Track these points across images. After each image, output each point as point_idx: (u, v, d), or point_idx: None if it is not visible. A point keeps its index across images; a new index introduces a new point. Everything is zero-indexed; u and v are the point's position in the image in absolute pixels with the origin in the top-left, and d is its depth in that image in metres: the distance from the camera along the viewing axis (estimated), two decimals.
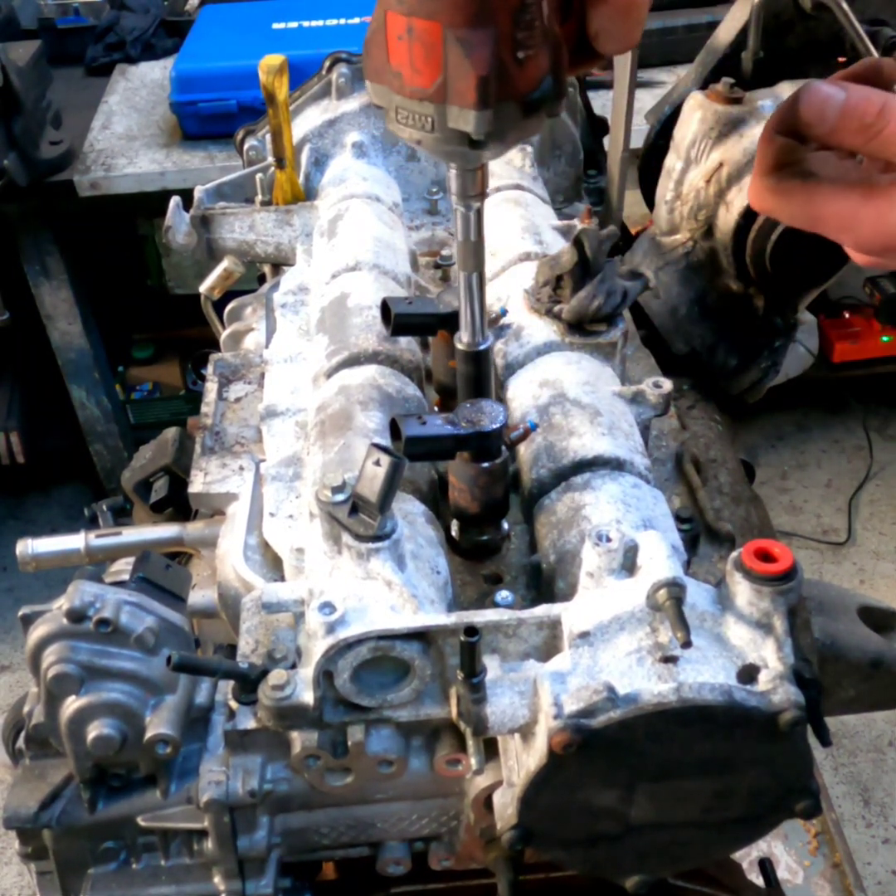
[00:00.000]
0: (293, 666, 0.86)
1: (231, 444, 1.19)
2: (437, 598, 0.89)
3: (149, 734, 0.86)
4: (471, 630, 0.78)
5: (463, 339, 0.96)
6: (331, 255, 1.32)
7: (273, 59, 1.39)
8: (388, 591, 0.85)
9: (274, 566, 1.03)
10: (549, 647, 0.86)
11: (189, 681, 0.89)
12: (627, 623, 0.81)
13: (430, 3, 0.72)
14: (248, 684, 0.86)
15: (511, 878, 0.95)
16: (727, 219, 1.35)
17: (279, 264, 1.48)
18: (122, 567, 0.93)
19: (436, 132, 0.77)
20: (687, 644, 0.75)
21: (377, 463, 0.84)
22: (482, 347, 0.96)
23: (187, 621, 0.92)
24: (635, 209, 1.71)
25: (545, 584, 0.96)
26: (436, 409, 1.12)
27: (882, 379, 3.70)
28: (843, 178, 0.82)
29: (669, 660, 0.78)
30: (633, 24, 0.78)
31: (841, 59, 1.41)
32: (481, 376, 0.98)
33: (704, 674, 0.77)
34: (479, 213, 0.88)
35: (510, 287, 1.24)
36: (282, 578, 1.00)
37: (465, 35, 0.72)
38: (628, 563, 0.84)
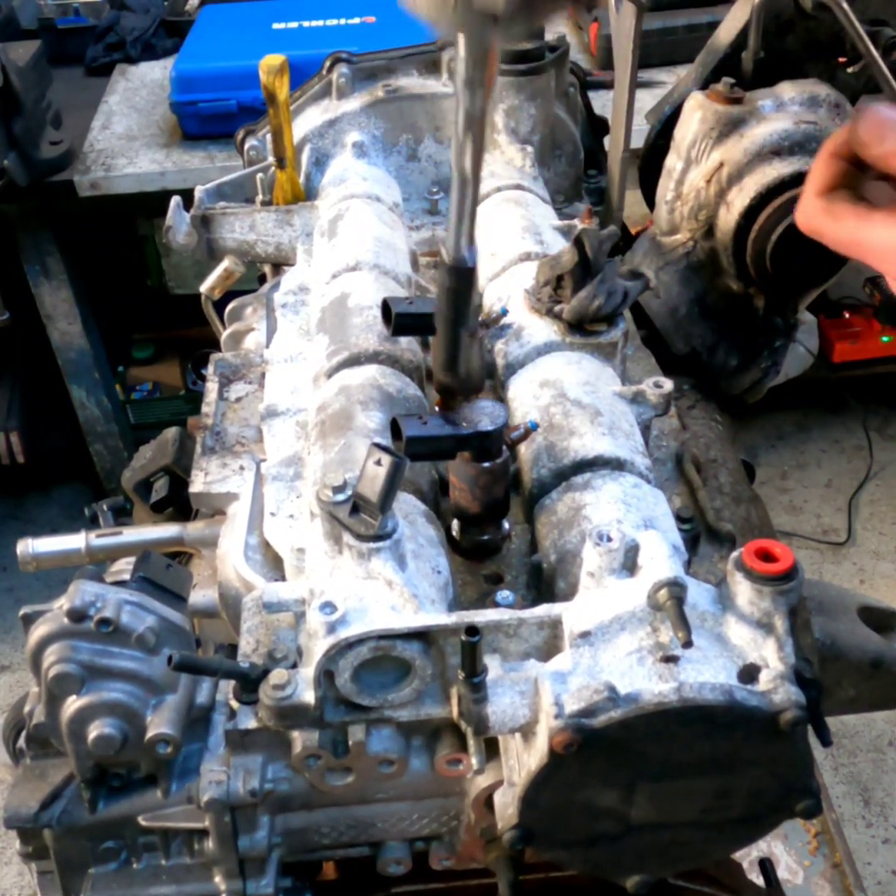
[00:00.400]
0: (294, 665, 0.86)
1: (231, 444, 1.19)
2: (437, 597, 0.89)
3: (150, 734, 0.86)
4: (472, 630, 0.78)
5: (448, 248, 0.90)
6: (331, 255, 1.32)
7: (273, 59, 1.39)
8: (389, 591, 0.85)
9: (275, 566, 1.03)
10: (549, 646, 0.86)
11: (190, 680, 0.89)
12: (628, 623, 0.81)
13: None
14: (248, 684, 0.86)
15: (511, 877, 0.95)
16: (727, 219, 1.35)
17: (279, 264, 1.48)
18: (123, 567, 0.93)
19: (460, 7, 0.72)
20: (688, 644, 0.75)
21: (378, 463, 0.84)
22: (467, 263, 0.90)
23: (188, 621, 0.92)
24: (635, 209, 1.70)
25: (546, 583, 0.96)
26: (436, 409, 1.12)
27: (882, 379, 3.70)
28: None
29: (670, 659, 0.78)
30: None
31: (841, 60, 1.41)
32: (464, 295, 0.92)
33: (705, 673, 0.77)
34: (484, 108, 0.82)
35: (510, 287, 1.24)
36: (282, 578, 1.00)
37: None
38: (629, 563, 0.84)
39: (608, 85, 1.66)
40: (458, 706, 0.82)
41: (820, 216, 0.83)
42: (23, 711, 0.91)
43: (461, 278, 0.91)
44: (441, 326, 0.95)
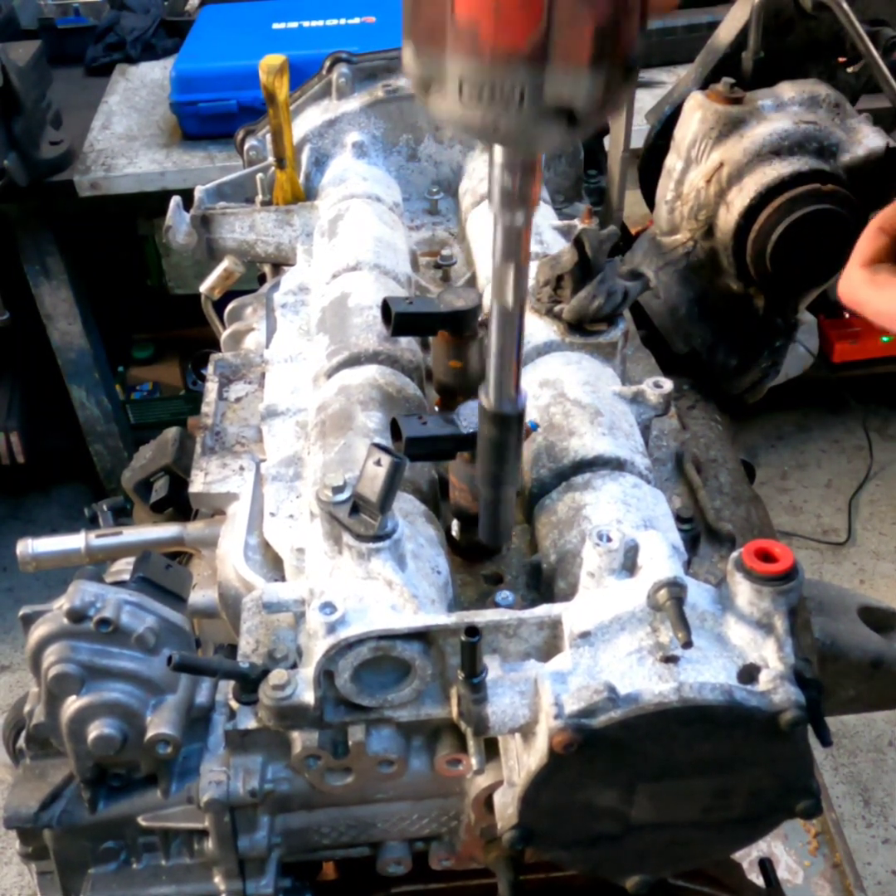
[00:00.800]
0: (294, 666, 0.86)
1: (231, 444, 1.19)
2: (437, 597, 0.89)
3: (149, 734, 0.86)
4: (471, 630, 0.78)
5: (488, 395, 0.78)
6: (331, 254, 1.32)
7: (273, 59, 1.39)
8: (389, 591, 0.85)
9: (274, 566, 1.03)
10: (549, 646, 0.86)
11: (190, 681, 0.89)
12: (628, 623, 0.81)
13: None
14: (248, 684, 0.86)
15: (511, 878, 0.95)
16: (727, 219, 1.35)
17: (279, 264, 1.48)
18: (123, 567, 0.93)
19: (525, 107, 0.60)
20: (688, 644, 0.75)
21: (378, 463, 0.84)
22: (509, 411, 0.78)
23: (188, 621, 0.92)
24: (635, 209, 1.70)
25: (545, 584, 0.96)
26: (436, 409, 1.12)
27: (882, 379, 3.70)
28: None
29: (670, 660, 0.78)
30: None
31: (841, 60, 1.41)
32: (507, 447, 0.80)
33: (705, 674, 0.77)
34: (528, 226, 0.70)
35: None
36: (282, 578, 1.00)
37: None
38: (629, 563, 0.84)
39: None
40: (457, 706, 0.82)
41: (863, 287, 0.83)
42: (23, 711, 0.91)
43: (505, 428, 0.79)
44: (483, 484, 0.84)
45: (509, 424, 0.79)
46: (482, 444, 0.82)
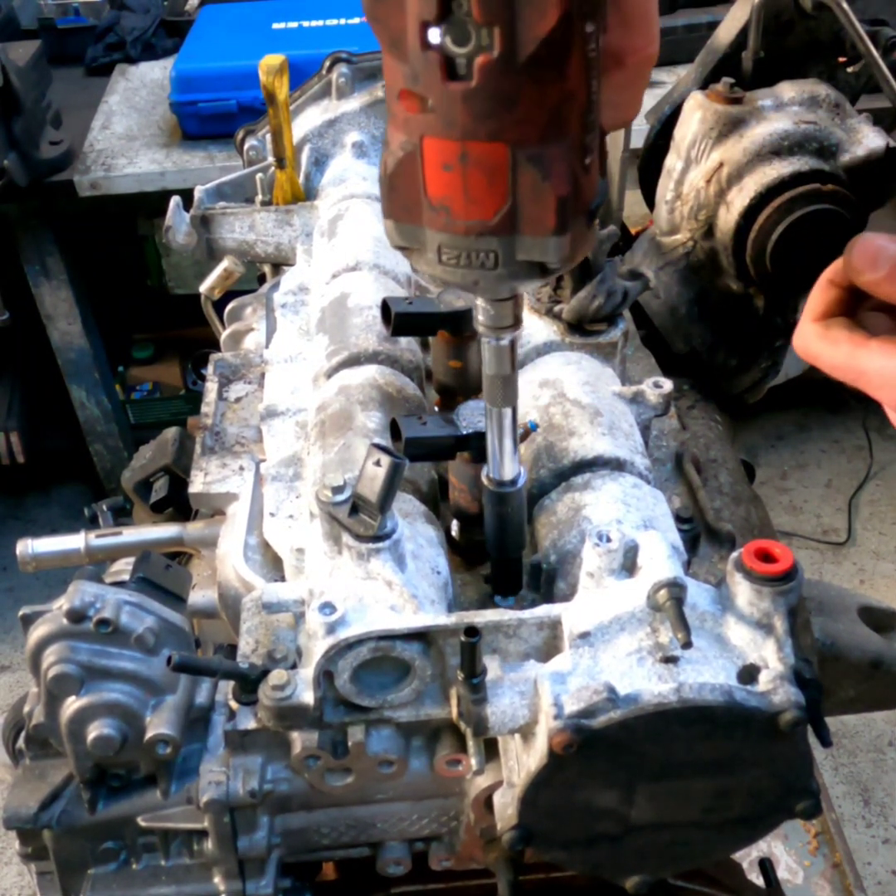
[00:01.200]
0: (293, 666, 0.86)
1: (231, 444, 1.19)
2: (437, 598, 0.89)
3: (149, 734, 0.86)
4: (471, 630, 0.78)
5: (490, 475, 0.88)
6: (331, 255, 1.32)
7: (273, 59, 1.39)
8: (389, 592, 0.85)
9: (274, 566, 1.02)
10: (549, 647, 0.86)
11: (189, 681, 0.89)
12: (628, 623, 0.81)
13: (493, 121, 0.60)
14: (248, 684, 0.86)
15: (511, 878, 0.95)
16: (727, 219, 1.35)
17: (279, 264, 1.48)
18: (122, 567, 0.93)
19: (500, 268, 0.66)
20: (687, 644, 0.75)
21: (377, 463, 0.84)
22: (509, 489, 0.88)
23: (187, 621, 0.92)
24: (635, 209, 1.70)
25: (545, 584, 0.95)
26: (436, 409, 1.12)
27: None
28: (894, 339, 0.80)
29: (670, 660, 0.78)
30: (639, 92, 0.73)
31: (841, 60, 1.41)
32: (510, 517, 0.90)
33: (705, 674, 0.77)
34: (514, 343, 0.80)
35: None
36: (282, 578, 1.00)
37: (538, 152, 0.61)
38: (628, 564, 0.84)
39: None
40: (457, 707, 0.82)
41: (816, 341, 0.83)
42: (22, 711, 0.91)
43: (505, 503, 0.89)
44: (491, 548, 0.94)
45: (510, 500, 0.89)
46: (487, 516, 0.91)
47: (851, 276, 0.80)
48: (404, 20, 0.60)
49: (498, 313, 0.76)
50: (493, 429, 0.85)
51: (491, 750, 0.88)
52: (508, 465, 0.87)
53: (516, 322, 0.77)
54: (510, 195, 0.63)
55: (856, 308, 0.83)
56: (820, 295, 0.84)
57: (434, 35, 0.59)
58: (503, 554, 0.94)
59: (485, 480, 0.89)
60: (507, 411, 0.83)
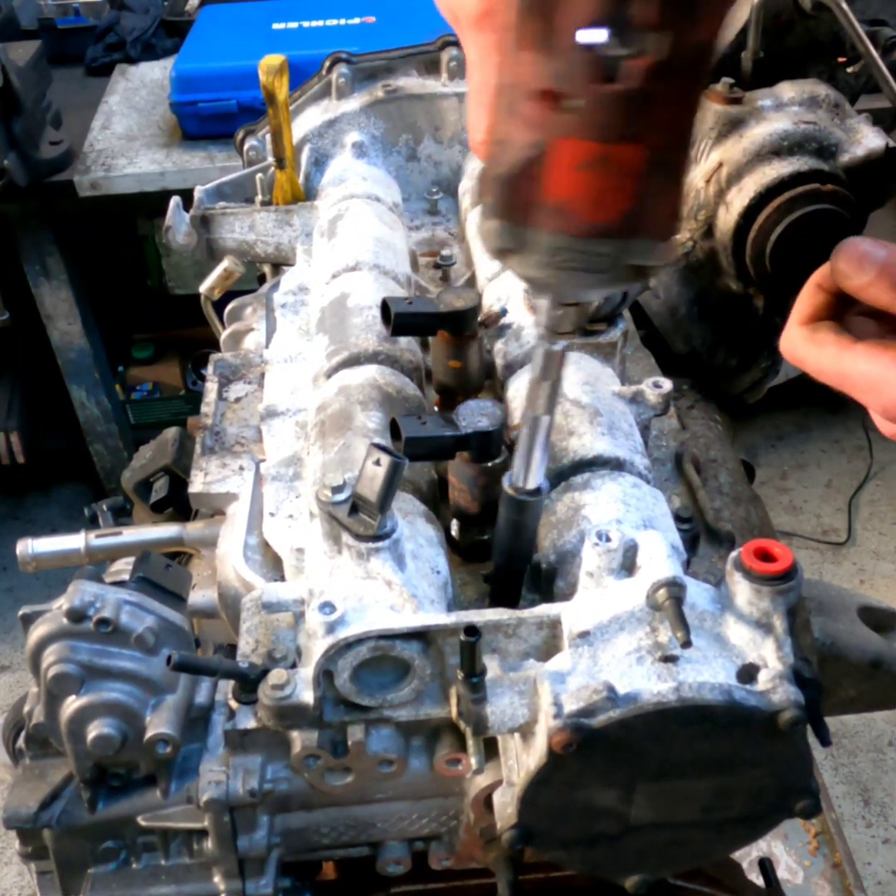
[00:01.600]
0: (293, 665, 0.86)
1: (231, 444, 1.19)
2: (437, 597, 0.89)
3: (149, 734, 0.86)
4: (471, 630, 0.78)
5: (515, 483, 0.87)
6: (331, 255, 1.32)
7: (273, 59, 1.39)
8: (388, 591, 0.85)
9: (274, 566, 1.03)
10: (548, 646, 0.86)
11: (189, 680, 0.89)
12: (627, 623, 0.81)
13: (639, 124, 0.60)
14: (248, 684, 0.86)
15: (511, 877, 0.95)
16: (727, 219, 1.35)
17: (279, 264, 1.48)
18: (122, 567, 0.93)
19: (610, 271, 0.66)
20: (687, 644, 0.75)
21: (377, 463, 0.84)
22: (530, 499, 0.87)
23: (187, 621, 0.92)
24: None
25: (545, 583, 0.96)
26: (436, 409, 1.12)
27: None
28: (880, 343, 0.80)
29: (669, 659, 0.78)
30: None
31: (841, 60, 1.41)
32: (524, 527, 0.90)
33: (704, 673, 0.77)
34: (565, 351, 0.79)
35: (510, 287, 1.24)
36: (282, 578, 1.00)
37: (671, 157, 0.62)
38: (628, 563, 0.84)
39: None
40: (457, 706, 0.82)
41: (803, 344, 0.83)
42: (22, 711, 0.91)
43: (524, 511, 0.88)
44: (497, 553, 0.93)
45: (528, 508, 0.88)
46: (501, 522, 0.90)
47: (838, 281, 0.80)
48: (562, 17, 0.59)
49: (561, 318, 0.75)
50: (527, 435, 0.84)
51: (490, 749, 0.88)
52: (535, 473, 0.86)
53: (575, 329, 0.76)
54: (638, 199, 0.62)
55: (843, 312, 0.83)
56: (807, 298, 0.84)
57: (595, 35, 0.58)
58: (509, 563, 0.93)
59: (506, 487, 0.88)
60: (545, 419, 0.82)
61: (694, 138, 0.66)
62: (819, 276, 0.83)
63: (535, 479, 0.86)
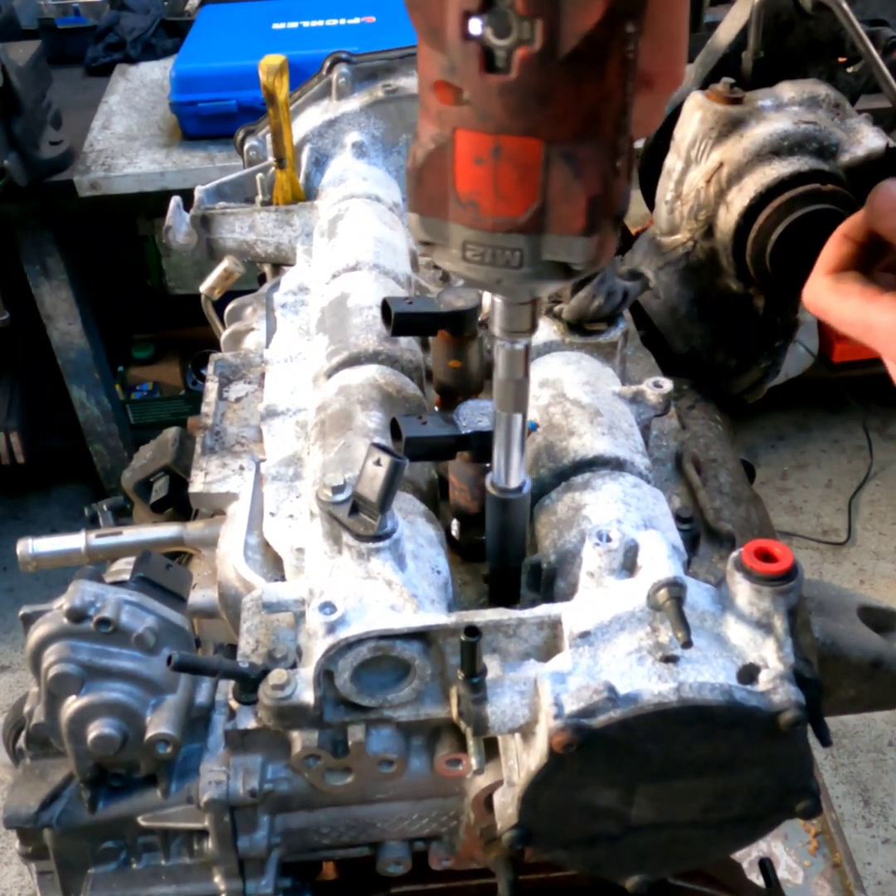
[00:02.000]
0: (293, 665, 0.86)
1: (231, 444, 1.19)
2: (437, 597, 0.89)
3: (149, 734, 0.86)
4: (471, 630, 0.78)
5: (496, 483, 0.88)
6: (331, 255, 1.32)
7: (273, 59, 1.39)
8: (389, 591, 0.85)
9: (274, 566, 1.03)
10: (549, 646, 0.86)
11: (189, 680, 0.89)
12: (628, 623, 0.81)
13: (528, 115, 0.60)
14: (248, 684, 0.86)
15: (511, 877, 0.95)
16: (727, 219, 1.35)
17: (279, 264, 1.48)
18: (123, 567, 0.93)
19: (525, 267, 0.65)
20: (687, 644, 0.75)
21: (377, 463, 0.84)
22: (514, 497, 0.88)
23: (188, 621, 0.92)
24: (635, 209, 1.70)
25: (545, 583, 0.96)
26: (436, 409, 1.12)
27: (882, 379, 3.66)
28: None
29: (670, 659, 0.78)
30: (663, 110, 0.74)
31: (841, 60, 1.41)
32: (512, 525, 0.90)
33: (705, 674, 0.77)
34: (527, 348, 0.79)
35: None
36: (282, 578, 1.00)
37: (571, 150, 0.61)
38: (628, 563, 0.84)
39: None
40: (457, 706, 0.82)
41: (827, 294, 0.82)
42: (23, 711, 0.91)
43: (508, 511, 0.89)
44: (490, 557, 0.94)
45: (513, 507, 0.88)
46: (490, 522, 0.91)
47: (873, 223, 0.78)
48: (445, 9, 0.59)
49: (515, 317, 0.76)
50: (501, 435, 0.85)
51: (491, 749, 0.88)
52: (515, 471, 0.87)
53: (532, 327, 0.77)
54: (541, 193, 0.62)
55: (869, 265, 0.82)
56: (834, 249, 0.83)
57: (475, 26, 0.59)
58: (503, 563, 0.93)
59: (489, 487, 0.89)
60: (517, 417, 0.83)
61: (620, 131, 0.63)
62: (847, 226, 0.82)
63: (517, 476, 0.87)
